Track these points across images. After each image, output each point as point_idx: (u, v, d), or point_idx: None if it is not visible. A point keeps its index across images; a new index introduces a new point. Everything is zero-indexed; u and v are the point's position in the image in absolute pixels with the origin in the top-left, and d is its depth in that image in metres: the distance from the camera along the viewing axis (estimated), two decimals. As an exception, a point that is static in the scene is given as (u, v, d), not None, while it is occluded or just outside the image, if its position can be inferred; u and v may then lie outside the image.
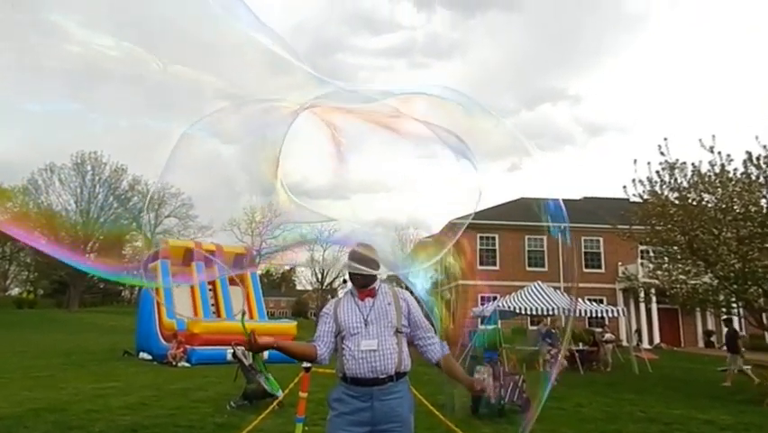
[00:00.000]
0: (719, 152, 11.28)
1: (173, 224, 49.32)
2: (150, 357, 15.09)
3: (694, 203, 11.58)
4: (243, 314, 3.63)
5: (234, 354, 8.22)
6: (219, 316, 16.48)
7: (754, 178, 10.95)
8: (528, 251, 27.57)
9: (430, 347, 2.72)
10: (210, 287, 17.10)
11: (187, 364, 13.68)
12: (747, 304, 11.56)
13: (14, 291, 58.05)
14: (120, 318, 37.53)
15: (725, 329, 14.38)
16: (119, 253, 51.09)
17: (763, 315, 11.80)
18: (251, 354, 7.72)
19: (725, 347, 13.33)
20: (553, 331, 13.41)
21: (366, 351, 2.57)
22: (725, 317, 14.04)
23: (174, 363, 13.62)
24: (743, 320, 15.12)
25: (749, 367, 12.17)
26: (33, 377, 10.51)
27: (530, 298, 16.49)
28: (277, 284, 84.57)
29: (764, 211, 10.80)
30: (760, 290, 10.91)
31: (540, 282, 17.55)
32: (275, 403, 6.65)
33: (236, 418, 6.74)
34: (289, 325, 16.84)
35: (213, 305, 16.99)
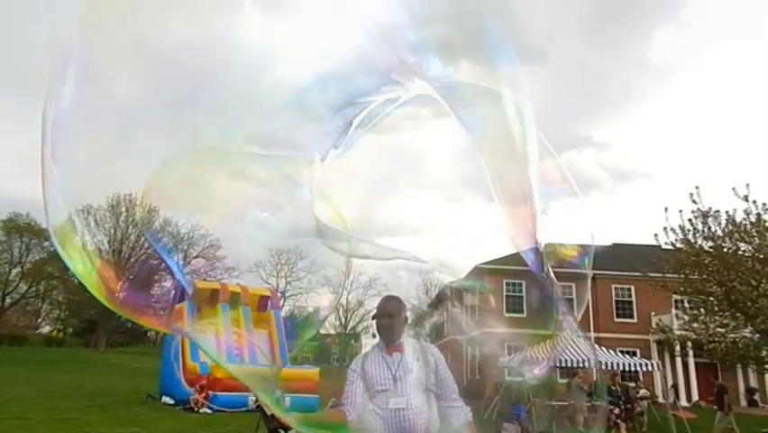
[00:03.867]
0: (754, 201, 11.01)
1: (201, 264, 50.08)
2: (172, 402, 15.01)
3: (729, 252, 11.22)
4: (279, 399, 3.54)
5: (257, 402, 8.12)
6: (243, 360, 16.41)
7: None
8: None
9: (453, 410, 2.62)
10: (235, 330, 17.12)
11: (208, 411, 13.54)
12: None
13: (45, 329, 59.19)
14: (145, 360, 37.68)
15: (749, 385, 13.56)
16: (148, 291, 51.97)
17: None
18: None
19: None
20: (613, 388, 12.05)
21: (394, 409, 2.50)
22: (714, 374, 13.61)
23: (196, 409, 13.51)
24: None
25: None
26: (57, 419, 10.54)
27: (559, 348, 15.95)
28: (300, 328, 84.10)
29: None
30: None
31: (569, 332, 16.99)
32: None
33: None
34: (312, 371, 16.61)
35: (236, 348, 16.94)
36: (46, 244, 47.32)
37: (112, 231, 47.70)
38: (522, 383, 16.02)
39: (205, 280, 40.80)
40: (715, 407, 12.68)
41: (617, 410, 11.35)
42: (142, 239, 48.06)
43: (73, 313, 52.86)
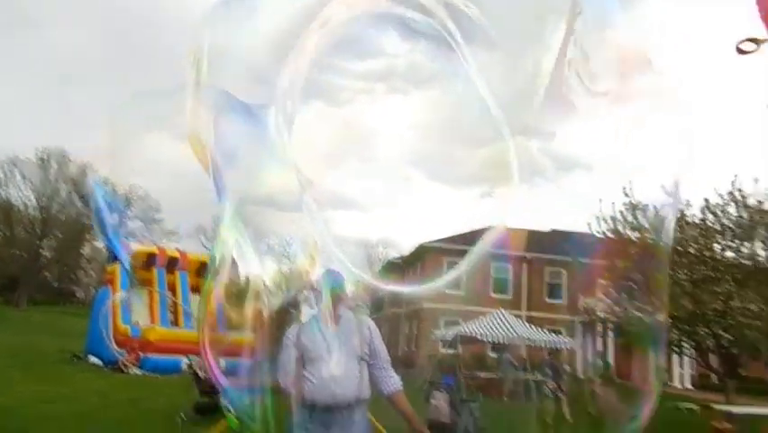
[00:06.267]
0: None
1: (137, 226, 48.02)
2: (100, 362, 14.56)
3: (652, 243, 12.02)
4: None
5: (191, 367, 8.05)
6: (177, 324, 16.08)
7: (710, 224, 11.49)
8: (494, 277, 27.92)
9: (385, 379, 2.74)
10: (169, 294, 16.69)
11: (138, 372, 13.26)
12: (697, 345, 11.99)
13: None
14: (72, 320, 36.06)
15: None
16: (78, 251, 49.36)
17: (710, 355, 12.26)
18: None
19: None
20: (556, 364, 12.59)
21: (327, 377, 2.58)
22: None
23: (125, 370, 13.19)
24: (692, 360, 15.59)
25: None
26: (-26, 378, 10.01)
27: (492, 324, 16.69)
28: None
29: (718, 257, 11.32)
30: (709, 332, 11.36)
31: (502, 310, 17.79)
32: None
33: (186, 432, 6.57)
34: (249, 337, 16.52)
35: (172, 312, 16.57)
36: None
37: (40, 186, 44.76)
38: (454, 356, 16.70)
39: (141, 243, 39.29)
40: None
41: (551, 384, 11.83)
42: (74, 196, 45.47)
43: (-8, 269, 49.60)
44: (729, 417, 9.99)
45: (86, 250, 51.81)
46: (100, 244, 49.38)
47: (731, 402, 11.23)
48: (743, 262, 11.30)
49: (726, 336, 11.11)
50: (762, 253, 11.40)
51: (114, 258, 16.54)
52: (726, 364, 12.35)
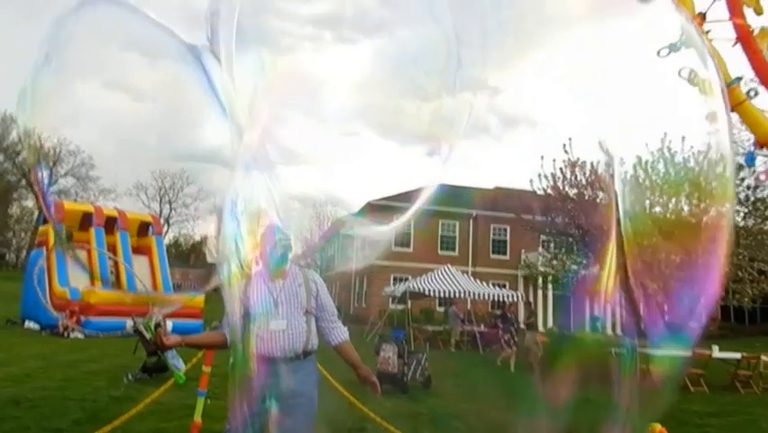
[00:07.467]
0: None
1: (70, 184, 45.35)
2: (37, 327, 13.99)
3: (589, 199, 12.65)
4: (152, 320, 3.41)
5: (135, 327, 7.86)
6: (120, 286, 15.58)
7: (641, 181, 12.17)
8: (441, 235, 28.58)
9: (333, 331, 2.82)
10: (110, 255, 16.06)
11: (80, 336, 12.85)
12: (627, 295, 12.90)
13: None
14: (3, 284, 34.10)
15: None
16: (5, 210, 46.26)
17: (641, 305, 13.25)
18: (152, 327, 7.40)
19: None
20: (509, 315, 13.19)
21: (275, 331, 2.61)
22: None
23: (65, 334, 12.75)
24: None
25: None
26: None
27: (439, 280, 17.22)
28: (186, 255, 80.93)
29: (646, 211, 12.04)
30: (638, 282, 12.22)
31: (449, 266, 18.33)
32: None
33: (134, 390, 6.49)
34: (197, 298, 16.27)
35: (112, 273, 16.01)
36: None
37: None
38: (403, 311, 17.19)
39: (75, 201, 37.18)
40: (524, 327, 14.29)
41: (506, 336, 12.33)
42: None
43: None
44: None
45: (14, 210, 48.74)
46: (30, 203, 46.49)
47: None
48: (668, 216, 12.09)
49: (653, 285, 11.97)
50: (686, 207, 12.23)
51: (45, 219, 15.69)
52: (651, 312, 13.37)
